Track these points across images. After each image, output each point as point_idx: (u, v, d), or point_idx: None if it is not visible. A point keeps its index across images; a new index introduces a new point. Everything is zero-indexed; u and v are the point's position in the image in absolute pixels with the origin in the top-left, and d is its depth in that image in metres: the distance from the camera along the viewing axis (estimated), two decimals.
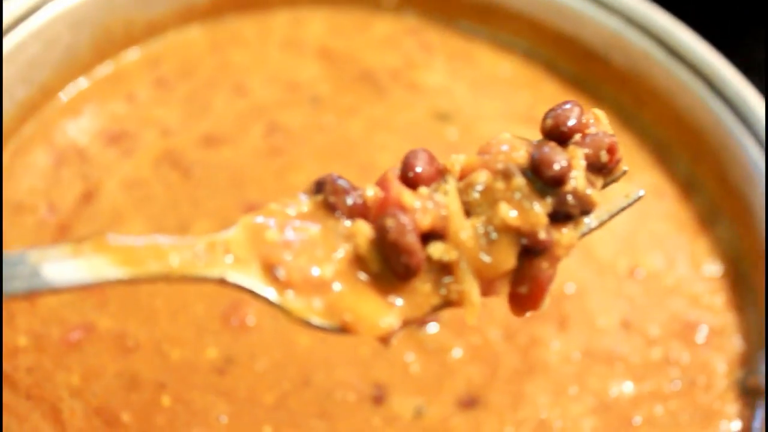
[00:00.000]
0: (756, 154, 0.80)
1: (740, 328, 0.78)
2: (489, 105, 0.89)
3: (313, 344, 0.71)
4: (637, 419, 0.72)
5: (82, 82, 0.85)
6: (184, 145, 0.82)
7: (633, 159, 0.87)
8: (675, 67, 0.86)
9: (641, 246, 0.81)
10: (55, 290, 0.43)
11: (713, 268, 0.81)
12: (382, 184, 0.48)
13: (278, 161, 0.82)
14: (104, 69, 0.87)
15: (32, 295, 0.43)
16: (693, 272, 0.81)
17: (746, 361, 0.76)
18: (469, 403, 0.71)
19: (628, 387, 0.73)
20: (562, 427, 0.71)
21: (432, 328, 0.73)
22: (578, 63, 0.91)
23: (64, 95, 0.84)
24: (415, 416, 0.69)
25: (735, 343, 0.77)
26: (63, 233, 0.76)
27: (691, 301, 0.79)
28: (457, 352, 0.73)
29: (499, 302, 0.73)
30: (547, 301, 0.48)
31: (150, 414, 0.67)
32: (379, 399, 0.70)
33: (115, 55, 0.87)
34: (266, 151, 0.83)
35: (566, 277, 0.78)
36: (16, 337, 0.70)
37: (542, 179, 0.47)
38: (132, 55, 0.88)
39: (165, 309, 0.72)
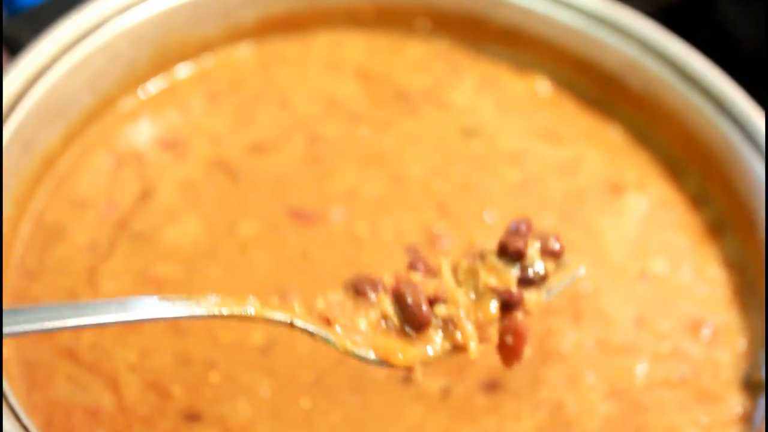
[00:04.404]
0: (761, 169, 0.86)
1: (745, 329, 0.84)
2: (512, 122, 0.96)
3: None
4: (647, 404, 0.77)
5: (140, 93, 0.93)
6: (232, 152, 0.90)
7: (646, 173, 0.93)
8: (687, 90, 0.92)
9: (652, 251, 0.87)
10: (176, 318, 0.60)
11: (720, 273, 0.87)
12: (394, 276, 0.63)
13: (318, 169, 0.89)
14: (160, 82, 0.94)
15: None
16: (701, 277, 0.87)
17: (750, 359, 0.82)
18: (491, 386, 0.77)
19: (639, 376, 0.79)
20: (577, 409, 0.77)
21: None
22: (597, 85, 0.97)
23: (124, 105, 0.92)
24: (442, 395, 0.76)
25: (740, 342, 0.83)
26: (122, 226, 0.83)
27: (699, 303, 0.85)
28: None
29: None
30: (528, 352, 0.64)
31: (199, 387, 0.74)
32: (407, 379, 0.76)
33: (170, 69, 0.95)
34: (307, 160, 0.90)
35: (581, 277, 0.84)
36: None
37: (507, 255, 0.63)
38: (185, 70, 0.96)
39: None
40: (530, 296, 0.63)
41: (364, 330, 0.61)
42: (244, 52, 0.98)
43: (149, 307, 0.58)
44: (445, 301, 0.62)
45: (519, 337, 0.63)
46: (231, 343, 0.76)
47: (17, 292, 0.79)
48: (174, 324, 0.77)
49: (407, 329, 0.62)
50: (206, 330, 0.77)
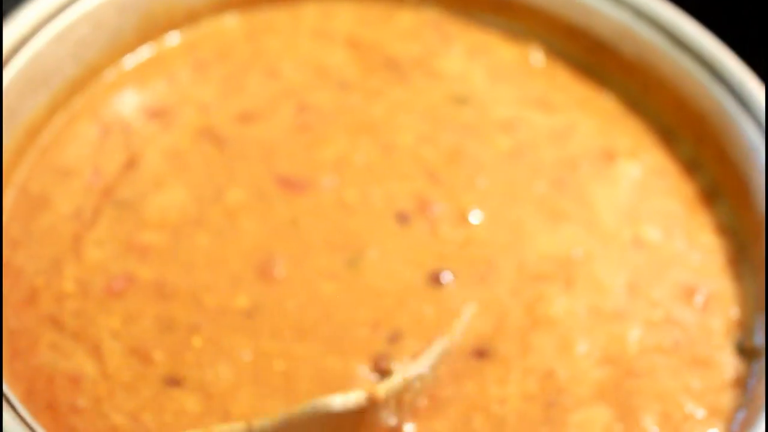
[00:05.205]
0: (755, 135, 0.85)
1: (738, 295, 0.83)
2: (504, 90, 0.94)
3: (338, 293, 0.78)
4: (640, 370, 0.76)
5: (126, 63, 0.92)
6: (220, 121, 0.88)
7: (639, 141, 0.92)
8: (680, 56, 0.91)
9: (644, 218, 0.86)
10: None
11: (713, 240, 0.86)
12: None
13: (307, 137, 0.88)
14: (147, 51, 0.93)
15: None
16: (694, 243, 0.85)
17: (743, 325, 0.81)
18: (479, 352, 0.76)
19: (632, 342, 0.78)
20: (568, 376, 0.76)
21: (449, 285, 0.79)
22: (589, 52, 0.96)
23: (110, 74, 0.91)
24: None
25: (733, 309, 0.82)
26: (107, 195, 0.82)
27: (692, 270, 0.84)
28: (468, 307, 0.78)
29: (507, 263, 0.79)
30: None
31: (181, 352, 0.73)
32: (393, 340, 0.75)
33: (157, 38, 0.94)
34: (296, 128, 0.89)
35: (573, 244, 0.83)
36: (64, 284, 0.76)
37: None
38: (172, 39, 0.95)
39: (203, 261, 0.79)
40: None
41: None
42: (231, 21, 0.97)
43: None
44: None
45: None
46: (215, 306, 0.76)
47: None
48: (159, 289, 0.76)
49: None
50: (191, 294, 0.76)
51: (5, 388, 0.67)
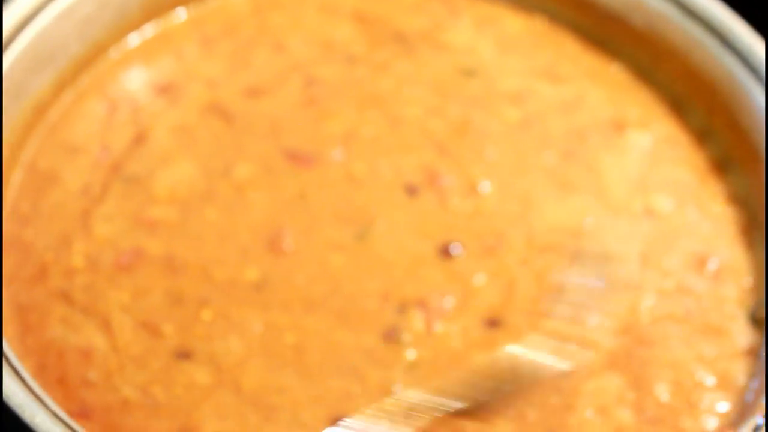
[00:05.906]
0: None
1: (751, 265, 0.82)
2: (512, 62, 0.94)
3: (347, 265, 0.78)
4: (652, 339, 0.76)
5: (132, 40, 0.92)
6: (227, 96, 0.88)
7: (650, 111, 0.91)
8: (690, 25, 0.90)
9: (655, 188, 0.85)
10: None
11: (725, 209, 0.85)
12: None
13: (314, 111, 0.88)
14: (152, 28, 0.93)
15: None
16: (706, 213, 0.85)
17: (756, 294, 0.81)
18: (490, 322, 0.76)
19: (643, 312, 0.78)
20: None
21: (458, 256, 0.79)
22: (599, 23, 0.95)
23: (116, 51, 0.91)
24: (439, 337, 0.75)
25: (746, 278, 0.81)
26: (115, 171, 0.82)
27: (704, 239, 0.83)
28: (479, 278, 0.78)
29: (516, 234, 0.79)
30: None
31: (191, 325, 0.74)
32: (403, 312, 0.75)
33: (162, 15, 0.93)
34: (303, 102, 0.88)
35: (583, 214, 0.83)
36: (73, 259, 0.77)
37: None
38: (178, 16, 0.94)
39: (212, 235, 0.79)
40: None
41: None
42: None
43: None
44: None
45: None
46: (225, 280, 0.76)
47: (11, 236, 0.78)
48: (168, 263, 0.76)
49: None
50: (200, 268, 0.76)
51: (17, 363, 0.67)
